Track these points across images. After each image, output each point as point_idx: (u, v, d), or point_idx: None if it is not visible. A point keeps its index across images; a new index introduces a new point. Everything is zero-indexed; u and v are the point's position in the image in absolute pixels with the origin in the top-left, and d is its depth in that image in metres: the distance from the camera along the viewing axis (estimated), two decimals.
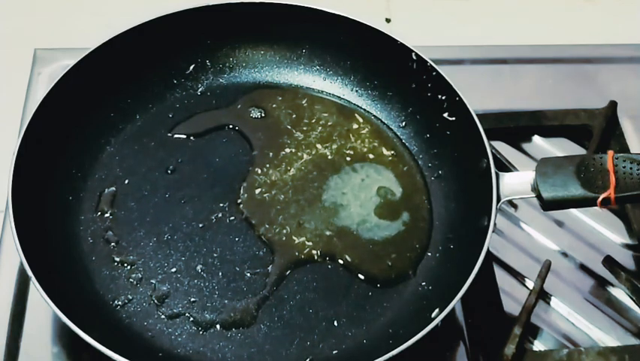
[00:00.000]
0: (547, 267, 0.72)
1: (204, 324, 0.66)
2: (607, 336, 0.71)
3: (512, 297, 0.72)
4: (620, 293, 0.73)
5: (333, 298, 0.68)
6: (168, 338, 0.65)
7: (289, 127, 0.79)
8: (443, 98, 0.74)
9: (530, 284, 0.72)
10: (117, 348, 0.57)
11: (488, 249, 0.64)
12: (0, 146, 0.73)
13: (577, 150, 0.83)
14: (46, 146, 0.70)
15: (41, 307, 0.64)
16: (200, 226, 0.71)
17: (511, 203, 0.78)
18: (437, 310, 0.62)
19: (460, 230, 0.71)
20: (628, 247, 0.77)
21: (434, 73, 0.75)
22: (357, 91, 0.81)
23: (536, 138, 0.84)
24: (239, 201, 0.73)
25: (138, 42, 0.76)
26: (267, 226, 0.71)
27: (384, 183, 0.75)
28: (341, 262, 0.70)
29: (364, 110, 0.81)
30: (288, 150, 0.77)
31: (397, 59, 0.77)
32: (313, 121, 0.79)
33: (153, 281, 0.68)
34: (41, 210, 0.68)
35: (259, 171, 0.75)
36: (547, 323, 0.71)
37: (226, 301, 0.67)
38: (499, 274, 0.73)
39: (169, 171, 0.75)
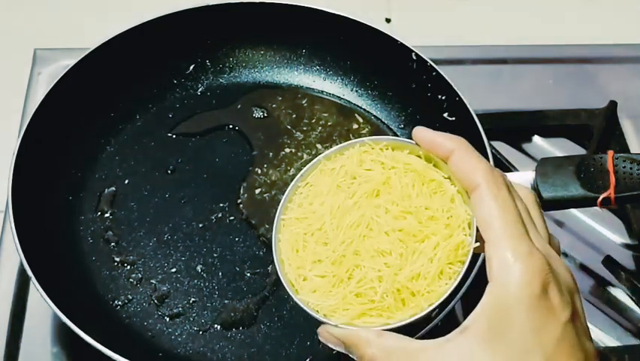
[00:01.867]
0: None
1: (204, 324, 0.66)
2: (607, 336, 0.71)
3: None
4: (620, 293, 0.73)
5: None
6: (168, 338, 0.65)
7: (289, 127, 0.79)
8: (443, 98, 0.74)
9: None
10: (117, 348, 0.57)
11: None
12: (0, 146, 0.73)
13: (577, 150, 0.83)
14: (46, 146, 0.70)
15: (41, 307, 0.64)
16: (200, 226, 0.71)
17: None
18: (437, 310, 0.62)
19: None
20: (628, 247, 0.77)
21: (434, 73, 0.75)
22: (357, 91, 0.81)
23: (536, 138, 0.84)
24: (239, 201, 0.73)
25: (138, 42, 0.76)
26: (267, 226, 0.71)
27: None
28: None
29: (364, 110, 0.81)
30: (288, 150, 0.77)
31: (397, 59, 0.77)
32: (313, 121, 0.79)
33: (153, 281, 0.68)
34: (41, 210, 0.68)
35: (259, 171, 0.75)
36: None
37: (226, 301, 0.67)
38: None
39: (169, 171, 0.75)
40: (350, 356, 0.48)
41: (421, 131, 0.50)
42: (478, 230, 0.48)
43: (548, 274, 0.44)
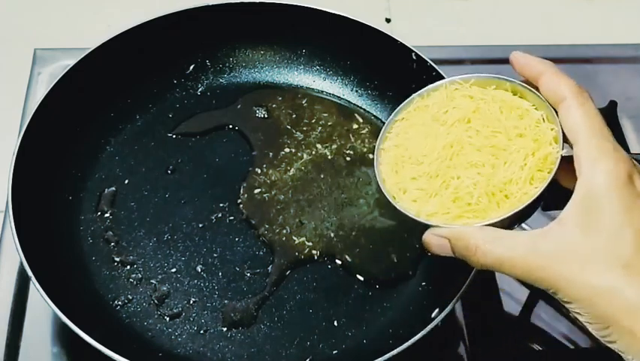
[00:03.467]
0: None
1: (204, 324, 0.66)
2: None
3: (512, 297, 0.72)
4: None
5: (333, 298, 0.68)
6: (168, 338, 0.65)
7: (289, 127, 0.79)
8: None
9: (530, 284, 0.72)
10: (117, 348, 0.58)
11: None
12: (0, 146, 0.73)
13: None
14: (46, 146, 0.70)
15: (41, 307, 0.64)
16: (200, 225, 0.71)
17: None
18: (437, 310, 0.62)
19: None
20: None
21: (434, 73, 0.75)
22: (357, 91, 0.81)
23: None
24: (239, 201, 0.73)
25: (138, 42, 0.76)
26: (267, 226, 0.71)
27: None
28: (341, 262, 0.70)
29: (364, 110, 0.81)
30: (287, 150, 0.77)
31: (397, 59, 0.77)
32: (313, 121, 0.79)
33: (153, 281, 0.68)
34: (41, 211, 0.68)
35: (259, 171, 0.75)
36: (547, 323, 0.71)
37: (226, 301, 0.67)
38: (499, 274, 0.73)
39: (169, 171, 0.75)
40: (454, 255, 0.52)
41: (516, 54, 0.56)
42: (564, 140, 0.52)
43: (632, 167, 0.50)
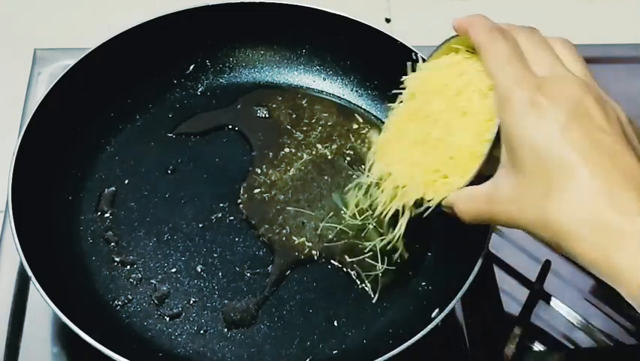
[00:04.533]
0: (547, 267, 0.72)
1: (204, 324, 0.66)
2: (607, 336, 0.71)
3: (512, 297, 0.72)
4: (620, 293, 0.73)
5: (333, 298, 0.68)
6: (168, 338, 0.65)
7: (289, 127, 0.79)
8: None
9: (530, 284, 0.72)
10: (117, 348, 0.57)
11: (488, 249, 0.64)
12: (0, 146, 0.73)
13: None
14: (46, 146, 0.70)
15: (41, 307, 0.64)
16: (200, 225, 0.71)
17: None
18: (437, 310, 0.62)
19: (461, 230, 0.71)
20: None
21: None
22: (357, 91, 0.81)
23: None
24: (239, 201, 0.73)
25: (138, 42, 0.76)
26: (267, 226, 0.71)
27: None
28: (341, 262, 0.70)
29: (364, 110, 0.81)
30: (287, 150, 0.77)
31: (397, 59, 0.77)
32: (313, 121, 0.79)
33: (153, 281, 0.68)
34: (41, 211, 0.68)
35: (259, 171, 0.75)
36: (547, 323, 0.71)
37: (226, 301, 0.67)
38: (499, 274, 0.73)
39: (169, 171, 0.75)
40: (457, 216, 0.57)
41: (457, 19, 0.60)
42: None
43: (534, 90, 0.50)
